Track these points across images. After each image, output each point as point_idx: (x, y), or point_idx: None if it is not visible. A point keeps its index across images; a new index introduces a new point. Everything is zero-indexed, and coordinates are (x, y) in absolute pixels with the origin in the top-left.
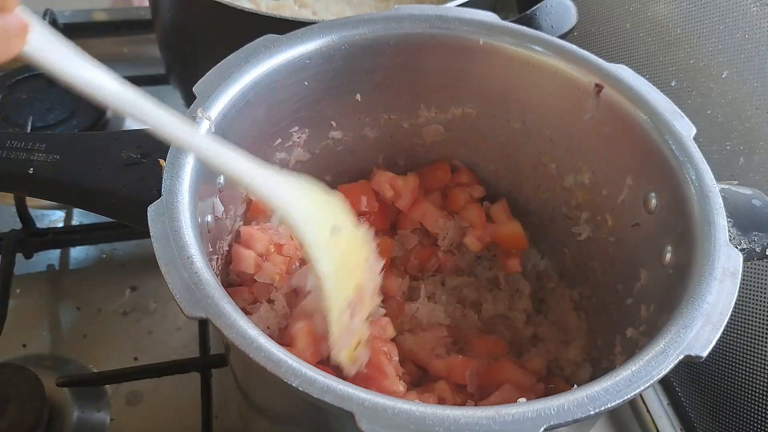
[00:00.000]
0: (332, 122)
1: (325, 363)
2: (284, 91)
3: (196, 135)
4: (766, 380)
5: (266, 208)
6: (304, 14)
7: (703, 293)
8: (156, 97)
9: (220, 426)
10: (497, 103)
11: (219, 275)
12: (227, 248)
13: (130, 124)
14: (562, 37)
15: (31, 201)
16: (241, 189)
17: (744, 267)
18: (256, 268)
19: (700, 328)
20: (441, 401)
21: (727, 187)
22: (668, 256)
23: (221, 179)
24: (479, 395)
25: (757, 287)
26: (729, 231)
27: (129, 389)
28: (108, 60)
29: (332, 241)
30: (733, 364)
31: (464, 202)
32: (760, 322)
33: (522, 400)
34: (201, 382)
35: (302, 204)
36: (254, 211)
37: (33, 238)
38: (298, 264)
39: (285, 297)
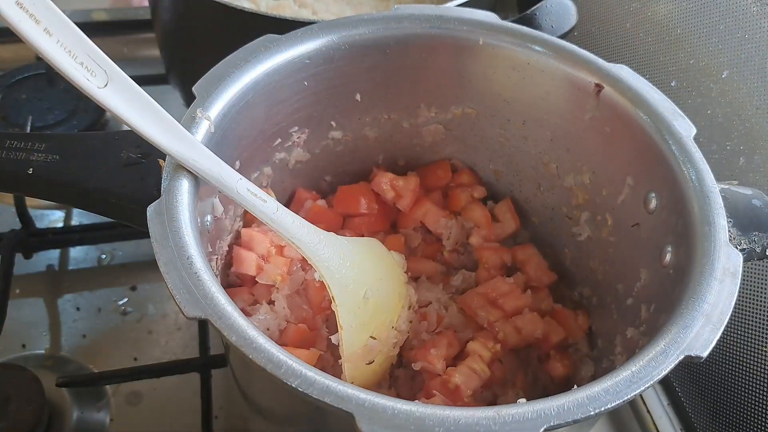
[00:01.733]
0: (332, 122)
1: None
2: (284, 91)
3: (235, 182)
4: (766, 380)
5: None
6: (304, 14)
7: (703, 293)
8: (156, 97)
9: (220, 426)
10: (497, 102)
11: (219, 276)
12: (227, 248)
13: None
14: (563, 36)
15: (30, 201)
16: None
17: (744, 267)
18: (257, 270)
19: (700, 329)
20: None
21: (727, 187)
22: (668, 256)
23: None
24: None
25: (758, 287)
26: (729, 231)
27: (129, 389)
28: None
29: (361, 304)
30: (734, 364)
31: (465, 202)
32: (760, 323)
33: (522, 400)
34: (201, 382)
35: (341, 267)
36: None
37: (32, 238)
38: (299, 265)
39: (286, 298)
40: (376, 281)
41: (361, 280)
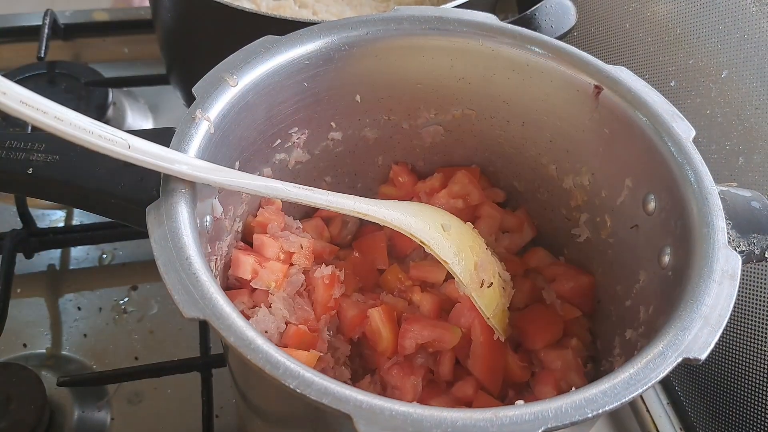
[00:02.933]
0: (332, 123)
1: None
2: (284, 92)
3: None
4: (765, 380)
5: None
6: (304, 15)
7: (701, 295)
8: (156, 97)
9: (221, 425)
10: (497, 104)
11: (218, 277)
12: (226, 249)
13: (131, 124)
14: (562, 37)
15: (31, 201)
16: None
17: (743, 269)
18: (252, 274)
19: (699, 330)
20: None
21: (726, 189)
22: (667, 257)
23: None
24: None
25: (756, 288)
26: (728, 233)
27: (130, 389)
28: (108, 60)
29: (446, 236)
30: (733, 364)
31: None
32: (759, 323)
33: (520, 402)
34: (201, 381)
35: (410, 220)
36: (257, 224)
37: (34, 238)
38: (298, 269)
39: (284, 300)
40: (442, 220)
41: (430, 220)
